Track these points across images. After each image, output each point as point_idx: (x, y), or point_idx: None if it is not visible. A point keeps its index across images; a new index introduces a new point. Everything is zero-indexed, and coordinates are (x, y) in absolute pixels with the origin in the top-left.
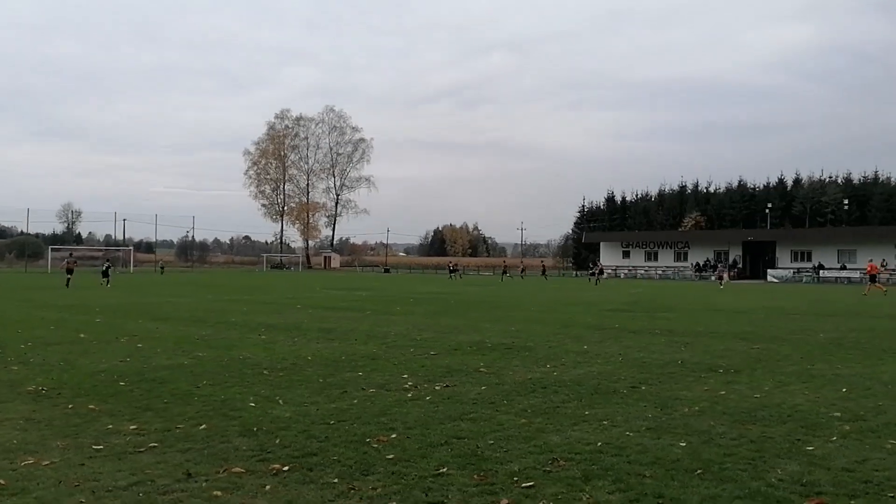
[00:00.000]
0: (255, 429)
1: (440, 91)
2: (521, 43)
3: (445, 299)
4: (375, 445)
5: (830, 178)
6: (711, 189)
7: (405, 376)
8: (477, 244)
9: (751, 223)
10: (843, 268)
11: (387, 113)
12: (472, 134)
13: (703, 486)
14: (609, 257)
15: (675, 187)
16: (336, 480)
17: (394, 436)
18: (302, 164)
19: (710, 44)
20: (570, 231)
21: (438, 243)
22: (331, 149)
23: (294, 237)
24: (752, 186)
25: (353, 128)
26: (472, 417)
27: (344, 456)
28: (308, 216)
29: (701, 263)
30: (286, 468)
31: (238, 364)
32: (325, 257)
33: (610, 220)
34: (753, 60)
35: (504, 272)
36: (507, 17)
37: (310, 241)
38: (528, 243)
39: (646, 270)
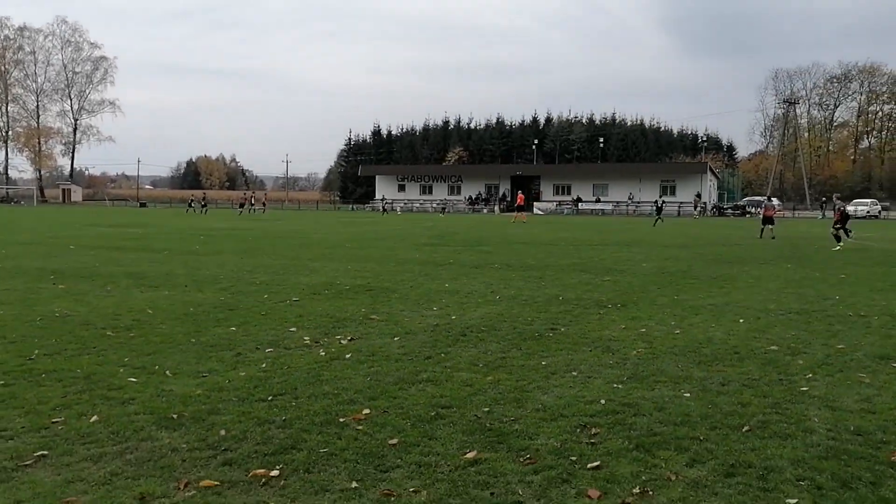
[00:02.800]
0: (173, 416)
1: (186, 7)
2: None
3: (240, 236)
4: (359, 427)
5: (576, 118)
6: (473, 125)
7: (293, 329)
8: (235, 177)
9: (509, 158)
10: (598, 201)
11: (127, 29)
12: (226, 59)
13: (775, 446)
14: (384, 190)
15: (439, 122)
16: (356, 485)
17: (366, 411)
18: (29, 82)
19: None
20: (334, 164)
21: (192, 175)
22: (65, 66)
23: (22, 166)
24: (508, 124)
25: (92, 44)
26: (428, 378)
27: (335, 448)
28: (39, 143)
29: (473, 196)
30: (274, 473)
31: (61, 323)
32: (63, 190)
33: (376, 154)
34: (500, 2)
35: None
36: None
37: (42, 172)
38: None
39: (421, 203)
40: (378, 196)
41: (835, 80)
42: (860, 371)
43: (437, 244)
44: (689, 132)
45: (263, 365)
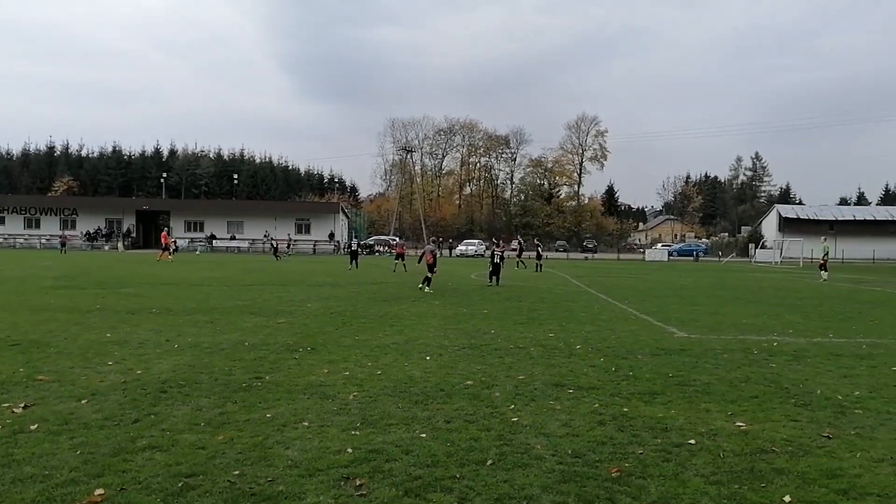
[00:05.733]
0: None
1: None
2: None
3: None
4: None
5: (203, 152)
6: (85, 153)
7: None
8: None
9: (129, 191)
10: (233, 238)
11: None
12: None
13: (521, 476)
14: None
15: (43, 148)
16: None
17: (99, 491)
18: None
19: None
20: None
21: None
22: None
23: None
24: (127, 154)
25: None
26: (150, 444)
27: None
28: None
29: (92, 231)
30: None
31: None
32: None
33: None
34: (112, 22)
35: None
36: None
37: None
38: None
39: (26, 239)
40: None
41: (442, 133)
42: (548, 399)
43: (69, 286)
44: (316, 172)
45: None
